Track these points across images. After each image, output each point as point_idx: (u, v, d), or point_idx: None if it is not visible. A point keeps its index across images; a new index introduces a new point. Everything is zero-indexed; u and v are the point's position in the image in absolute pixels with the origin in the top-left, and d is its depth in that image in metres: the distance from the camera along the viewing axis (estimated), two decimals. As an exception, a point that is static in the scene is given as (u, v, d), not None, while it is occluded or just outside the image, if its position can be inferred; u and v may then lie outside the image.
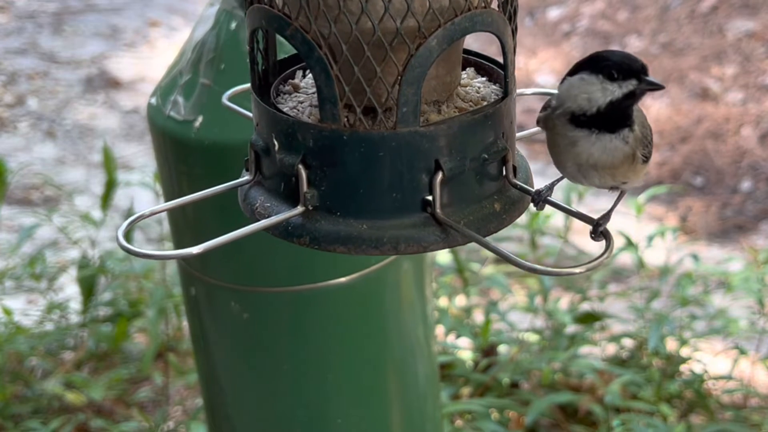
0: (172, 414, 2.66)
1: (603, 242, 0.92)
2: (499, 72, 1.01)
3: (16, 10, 5.61)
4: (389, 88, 0.89)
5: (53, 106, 4.71)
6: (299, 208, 0.91)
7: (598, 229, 0.94)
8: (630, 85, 0.94)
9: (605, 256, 0.89)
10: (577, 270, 0.87)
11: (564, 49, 5.03)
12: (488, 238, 0.91)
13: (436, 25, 0.88)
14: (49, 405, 2.61)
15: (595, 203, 3.28)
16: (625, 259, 2.95)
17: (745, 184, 4.08)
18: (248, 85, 1.00)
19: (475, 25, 0.90)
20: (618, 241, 2.78)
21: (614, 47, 5.02)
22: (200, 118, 1.39)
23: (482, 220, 0.92)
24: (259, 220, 0.93)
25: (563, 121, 0.96)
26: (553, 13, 5.32)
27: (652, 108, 4.53)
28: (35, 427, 2.47)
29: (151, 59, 5.08)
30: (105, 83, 4.90)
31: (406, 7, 0.86)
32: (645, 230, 2.91)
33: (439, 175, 0.90)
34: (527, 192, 0.96)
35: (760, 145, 4.27)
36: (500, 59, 0.98)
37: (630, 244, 2.71)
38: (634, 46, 5.01)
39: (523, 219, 2.77)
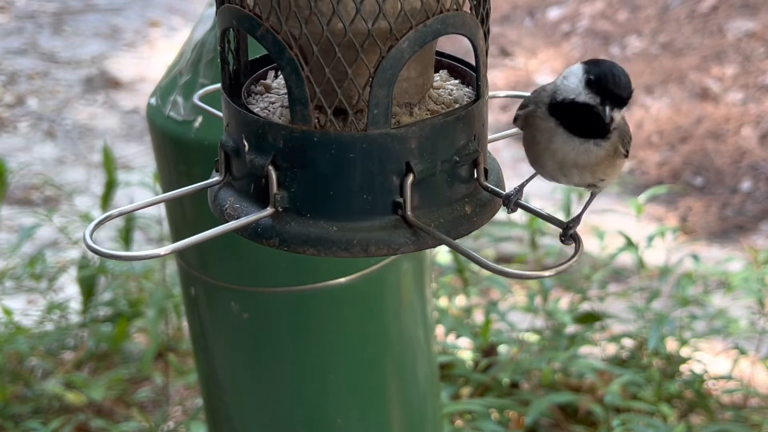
0: (172, 414, 2.66)
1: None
2: (472, 74, 1.00)
3: (16, 10, 5.61)
4: (360, 89, 0.89)
5: (53, 106, 4.70)
6: (269, 210, 0.91)
7: (568, 233, 0.94)
8: (591, 98, 0.92)
9: (574, 259, 0.89)
10: (545, 273, 0.88)
11: (564, 49, 5.03)
12: (458, 240, 0.91)
13: (408, 27, 0.87)
14: (49, 405, 2.61)
15: (595, 203, 3.28)
16: (625, 259, 2.95)
17: (745, 184, 4.08)
18: (219, 85, 0.99)
19: (447, 27, 0.89)
20: (618, 241, 2.78)
21: (614, 47, 5.02)
22: (200, 119, 1.39)
23: (453, 222, 0.92)
24: (228, 221, 0.92)
25: (543, 110, 0.95)
26: (553, 13, 5.32)
27: (652, 108, 4.53)
28: (35, 427, 2.47)
29: (151, 59, 5.07)
30: (105, 83, 4.90)
31: (377, 9, 0.86)
32: (645, 230, 2.91)
33: (410, 178, 0.89)
34: (498, 195, 0.96)
35: (760, 145, 4.27)
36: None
37: (630, 244, 2.70)
38: (634, 46, 5.01)
39: (523, 219, 2.77)
